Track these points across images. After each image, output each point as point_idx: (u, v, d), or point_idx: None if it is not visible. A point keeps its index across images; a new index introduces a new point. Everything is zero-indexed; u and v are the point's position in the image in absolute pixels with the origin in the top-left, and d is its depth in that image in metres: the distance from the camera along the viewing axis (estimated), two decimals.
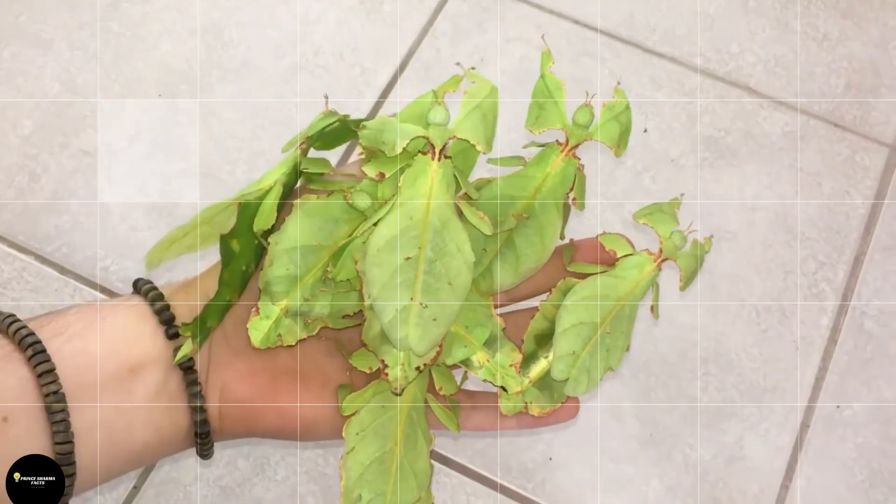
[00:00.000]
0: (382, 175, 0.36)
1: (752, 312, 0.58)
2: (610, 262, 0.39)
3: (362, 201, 0.36)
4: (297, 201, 0.37)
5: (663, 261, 0.38)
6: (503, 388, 0.37)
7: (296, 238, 0.36)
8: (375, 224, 0.36)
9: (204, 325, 0.35)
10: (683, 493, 0.53)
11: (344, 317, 0.37)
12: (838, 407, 0.55)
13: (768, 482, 0.53)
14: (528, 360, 0.38)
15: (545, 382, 0.38)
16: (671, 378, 0.56)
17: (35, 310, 0.38)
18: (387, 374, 0.36)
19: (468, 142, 0.36)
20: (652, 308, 0.39)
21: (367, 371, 0.37)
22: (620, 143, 0.39)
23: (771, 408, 0.55)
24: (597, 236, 0.40)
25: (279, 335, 0.36)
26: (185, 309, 0.36)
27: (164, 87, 0.64)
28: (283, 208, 0.37)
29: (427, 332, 0.35)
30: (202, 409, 0.36)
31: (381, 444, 0.37)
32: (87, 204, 0.60)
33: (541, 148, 0.39)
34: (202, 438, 0.37)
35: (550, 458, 0.54)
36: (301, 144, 0.38)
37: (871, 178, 0.62)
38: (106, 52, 0.65)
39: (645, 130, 0.63)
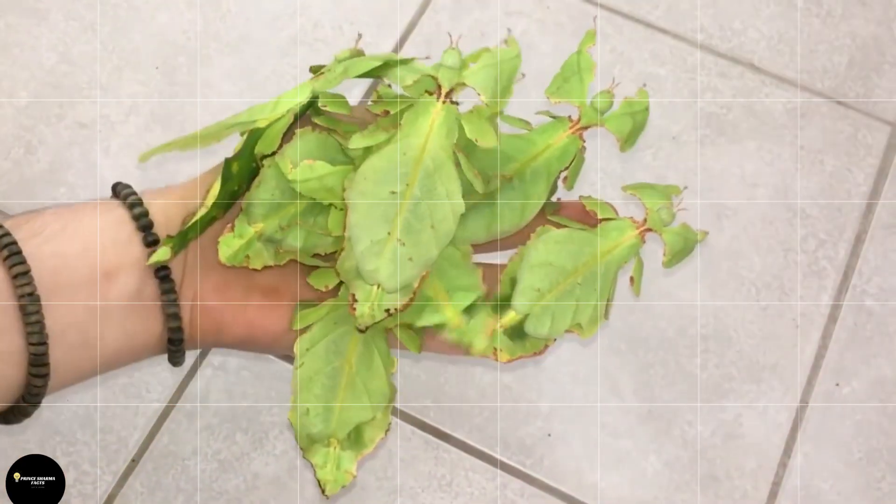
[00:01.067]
0: (387, 112, 0.36)
1: (752, 289, 0.57)
2: (593, 225, 0.39)
3: (356, 145, 0.36)
4: (298, 130, 0.37)
5: (646, 230, 0.38)
6: (467, 348, 0.37)
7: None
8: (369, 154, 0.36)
9: (184, 238, 0.36)
10: (681, 469, 0.53)
11: (314, 255, 0.37)
12: (837, 384, 0.55)
13: (767, 459, 0.53)
14: (502, 306, 0.37)
15: (515, 331, 0.37)
16: (670, 354, 0.56)
17: None
18: (354, 309, 0.35)
19: (476, 91, 0.36)
20: (632, 279, 0.39)
21: (324, 289, 0.37)
22: (629, 140, 0.39)
23: (770, 385, 0.55)
24: (580, 197, 0.40)
25: (247, 256, 0.36)
26: (162, 216, 0.36)
27: (161, 59, 0.63)
28: (288, 133, 0.37)
29: (400, 270, 0.34)
30: (177, 317, 0.36)
31: (332, 359, 0.37)
32: (84, 176, 0.60)
33: (551, 119, 0.39)
34: (175, 345, 0.37)
35: (549, 434, 0.54)
36: (321, 72, 0.37)
37: (874, 155, 0.61)
38: (103, 23, 0.64)
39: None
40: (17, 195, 0.59)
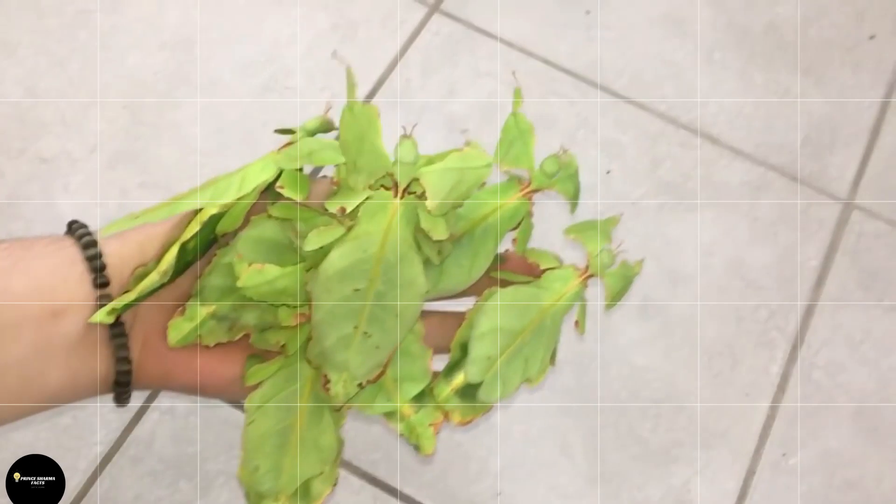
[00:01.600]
0: (343, 210, 0.36)
1: (705, 356, 0.58)
2: (538, 275, 0.39)
3: (312, 246, 0.35)
4: (253, 218, 0.37)
5: (588, 277, 0.39)
6: (415, 448, 0.38)
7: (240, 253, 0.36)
8: (328, 250, 0.35)
9: (128, 305, 0.35)
10: None
11: (264, 330, 0.38)
12: (784, 455, 0.56)
13: None
14: (452, 368, 0.38)
15: (466, 392, 0.38)
16: (622, 417, 0.56)
17: None
18: (328, 389, 0.36)
19: (422, 192, 0.35)
20: (577, 323, 0.39)
21: (272, 349, 0.38)
22: (574, 202, 0.40)
23: (719, 452, 0.56)
24: (525, 251, 0.40)
25: (199, 335, 0.37)
26: (117, 259, 0.36)
27: (129, 98, 0.63)
28: (249, 212, 0.38)
29: (368, 358, 0.35)
30: (126, 360, 0.36)
31: (282, 417, 0.37)
32: (41, 211, 0.59)
33: (503, 180, 0.40)
34: (122, 387, 0.37)
35: (499, 493, 0.54)
36: (287, 144, 0.37)
37: (825, 230, 0.63)
38: (72, 59, 0.64)
39: (608, 172, 0.64)
40: None
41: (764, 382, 0.58)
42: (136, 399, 0.54)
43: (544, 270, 0.39)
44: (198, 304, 0.36)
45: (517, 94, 0.39)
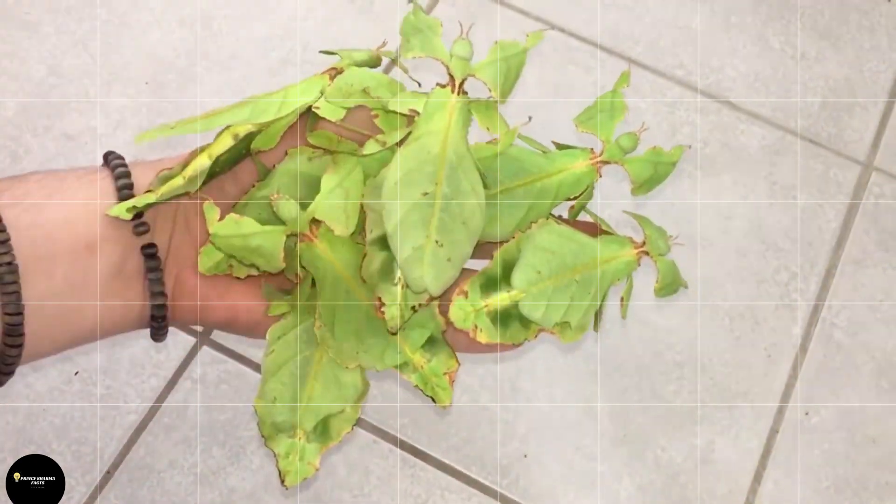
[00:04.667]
0: (416, 112, 0.34)
1: (726, 318, 0.59)
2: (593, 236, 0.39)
3: (371, 149, 0.35)
4: (289, 151, 0.36)
5: (643, 252, 0.38)
6: (432, 399, 0.36)
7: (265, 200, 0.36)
8: (384, 158, 0.35)
9: (147, 204, 0.34)
10: (654, 493, 0.54)
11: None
12: (807, 413, 0.57)
13: (737, 485, 0.54)
14: (490, 284, 0.36)
15: (503, 317, 0.36)
16: (645, 379, 0.57)
17: None
18: (383, 313, 0.35)
19: (486, 86, 0.35)
20: (622, 300, 0.38)
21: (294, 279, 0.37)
22: (643, 186, 0.39)
23: (741, 412, 0.56)
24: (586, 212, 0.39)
25: (230, 266, 0.36)
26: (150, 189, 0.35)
27: (150, 75, 0.64)
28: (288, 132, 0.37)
29: (442, 273, 0.34)
30: (161, 294, 0.36)
31: (303, 348, 0.36)
32: None
33: (575, 148, 0.39)
34: (157, 322, 0.36)
35: (525, 455, 0.55)
36: (332, 72, 0.36)
37: (844, 193, 0.63)
38: (93, 37, 0.65)
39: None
40: None
41: (785, 343, 0.58)
42: (170, 369, 0.55)
43: (599, 232, 0.38)
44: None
45: (624, 77, 0.39)
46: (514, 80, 0.36)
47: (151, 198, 0.34)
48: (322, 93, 0.36)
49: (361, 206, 0.36)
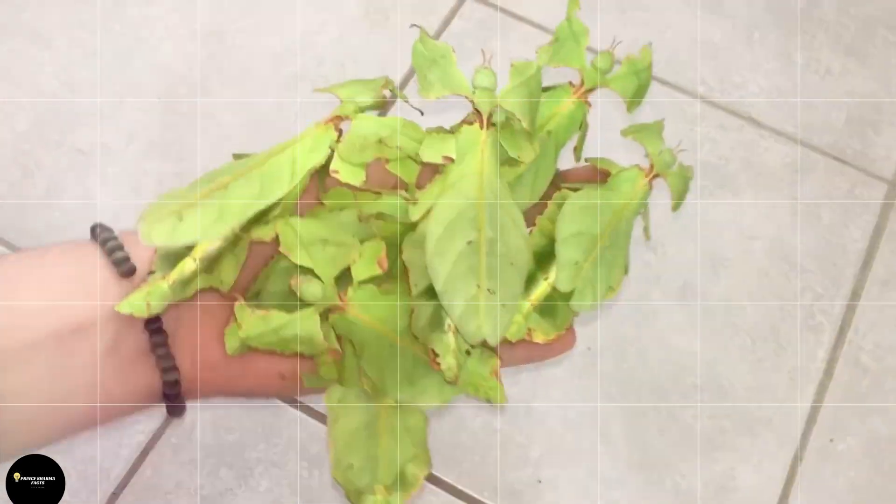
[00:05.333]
0: (450, 159, 0.32)
1: (748, 340, 0.57)
2: (602, 181, 0.37)
3: (418, 213, 0.32)
4: (307, 214, 0.34)
5: (654, 177, 0.36)
6: (488, 400, 0.35)
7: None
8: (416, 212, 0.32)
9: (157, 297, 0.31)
10: None
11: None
12: (832, 440, 0.55)
13: None
14: (528, 281, 0.34)
15: (546, 308, 0.35)
16: (663, 402, 0.55)
17: None
18: (438, 364, 0.33)
19: (513, 115, 0.33)
20: (644, 230, 0.37)
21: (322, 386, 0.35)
22: (635, 97, 0.37)
23: (764, 438, 0.54)
24: (585, 159, 0.38)
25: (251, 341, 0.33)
26: (147, 261, 0.32)
27: (163, 88, 0.63)
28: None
29: (499, 320, 0.32)
30: (174, 370, 0.33)
31: (366, 409, 0.34)
32: (79, 201, 0.59)
33: (552, 89, 0.37)
34: (171, 400, 0.33)
35: (539, 480, 0.53)
36: (336, 120, 0.34)
37: (870, 212, 0.62)
38: (106, 51, 0.64)
39: (646, 156, 0.63)
40: (13, 219, 0.58)
41: (810, 367, 0.57)
42: None
43: (608, 176, 0.36)
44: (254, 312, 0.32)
45: (572, 1, 0.36)
46: (537, 104, 0.35)
47: (164, 286, 0.31)
48: (331, 148, 0.33)
49: (399, 257, 0.34)
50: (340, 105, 0.34)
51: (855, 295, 0.59)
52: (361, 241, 0.34)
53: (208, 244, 0.32)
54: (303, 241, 0.33)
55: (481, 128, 0.33)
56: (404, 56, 0.67)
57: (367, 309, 0.34)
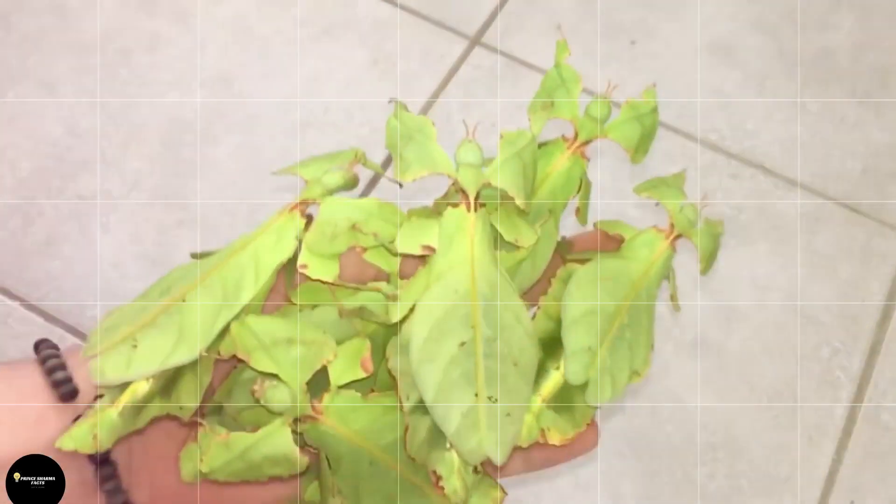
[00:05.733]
0: (431, 248, 0.28)
1: (763, 397, 0.55)
2: (614, 250, 0.32)
3: (400, 315, 0.28)
4: (274, 315, 0.29)
5: (676, 238, 0.31)
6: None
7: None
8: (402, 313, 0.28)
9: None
10: None
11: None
12: (852, 502, 0.52)
13: None
14: (536, 374, 0.30)
15: (561, 401, 0.30)
16: (676, 461, 0.53)
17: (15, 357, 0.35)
18: (442, 488, 0.28)
19: (504, 193, 0.29)
20: (671, 298, 0.32)
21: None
22: (640, 148, 0.33)
23: (781, 499, 0.52)
24: (594, 223, 0.33)
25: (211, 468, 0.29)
26: (91, 385, 0.27)
27: (167, 135, 0.62)
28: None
29: (503, 433, 0.27)
30: None
31: None
32: (81, 250, 0.58)
33: (542, 146, 0.33)
34: None
35: None
36: (301, 206, 0.29)
37: (888, 264, 0.60)
38: (112, 98, 0.64)
39: (657, 204, 0.62)
40: (12, 267, 0.57)
41: (828, 425, 0.55)
42: None
43: (621, 241, 0.32)
44: (212, 430, 0.28)
45: (561, 46, 0.33)
46: (533, 177, 0.30)
47: (114, 418, 0.26)
48: (299, 239, 0.29)
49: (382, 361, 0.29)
50: (306, 187, 0.30)
51: (874, 350, 0.57)
52: (341, 341, 0.29)
53: (141, 384, 0.27)
54: (263, 342, 0.28)
55: (468, 210, 0.29)
56: (413, 103, 0.67)
57: (345, 419, 0.29)
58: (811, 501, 0.52)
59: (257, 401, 0.28)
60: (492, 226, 0.29)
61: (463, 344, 0.27)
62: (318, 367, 0.28)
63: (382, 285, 0.29)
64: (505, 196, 0.29)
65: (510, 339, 0.28)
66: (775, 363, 0.56)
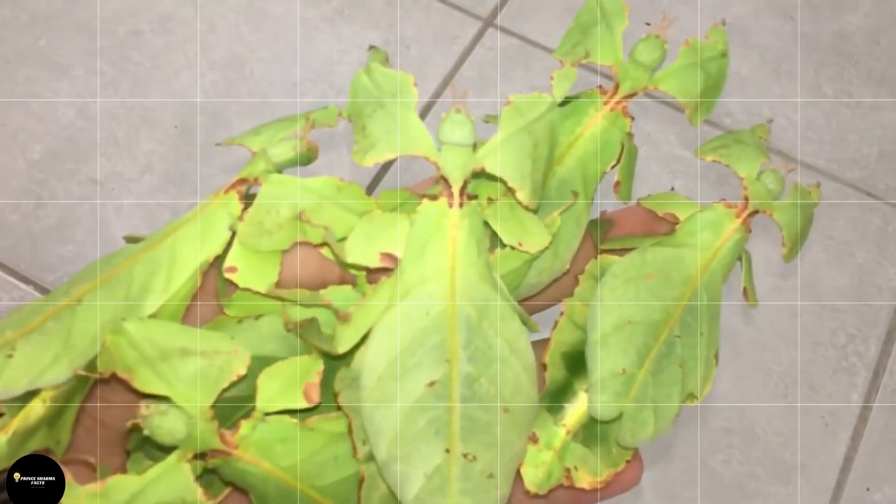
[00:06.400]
0: (393, 258, 0.21)
1: (780, 384, 0.55)
2: (667, 232, 0.25)
3: (347, 343, 0.21)
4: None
5: (752, 215, 0.25)
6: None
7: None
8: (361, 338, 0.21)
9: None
10: None
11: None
12: (868, 489, 0.52)
13: None
14: (558, 395, 0.23)
15: (592, 433, 0.23)
16: (691, 448, 0.53)
17: None
18: None
19: (503, 184, 0.22)
20: (745, 292, 0.26)
21: None
22: (702, 105, 0.25)
23: (797, 486, 0.52)
24: (639, 200, 0.25)
25: None
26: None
27: (180, 118, 0.62)
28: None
29: (482, 499, 0.21)
30: None
31: None
32: (92, 234, 0.58)
33: (571, 100, 0.25)
34: None
35: None
36: (240, 185, 0.22)
37: None
38: (124, 80, 0.63)
39: (672, 189, 0.61)
40: (23, 250, 0.57)
41: (844, 411, 0.54)
42: None
43: (674, 223, 0.25)
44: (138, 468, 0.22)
45: None
46: (548, 160, 0.23)
47: (2, 445, 0.21)
48: (232, 229, 0.22)
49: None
50: (249, 161, 0.23)
51: (890, 337, 0.57)
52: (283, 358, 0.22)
53: (36, 406, 0.22)
54: (147, 355, 0.21)
55: (450, 205, 0.21)
56: (427, 86, 0.66)
57: (270, 453, 0.21)
58: (826, 488, 0.52)
59: (142, 433, 0.21)
60: (485, 224, 0.22)
61: (433, 383, 0.21)
62: (225, 384, 0.21)
63: (342, 291, 0.22)
64: (505, 186, 0.22)
65: (500, 377, 0.21)
66: (791, 349, 0.56)
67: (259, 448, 0.21)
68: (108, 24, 0.65)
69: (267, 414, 0.21)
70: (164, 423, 0.21)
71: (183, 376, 0.21)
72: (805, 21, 0.68)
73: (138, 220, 0.58)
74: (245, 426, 0.21)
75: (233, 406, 0.22)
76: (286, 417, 0.21)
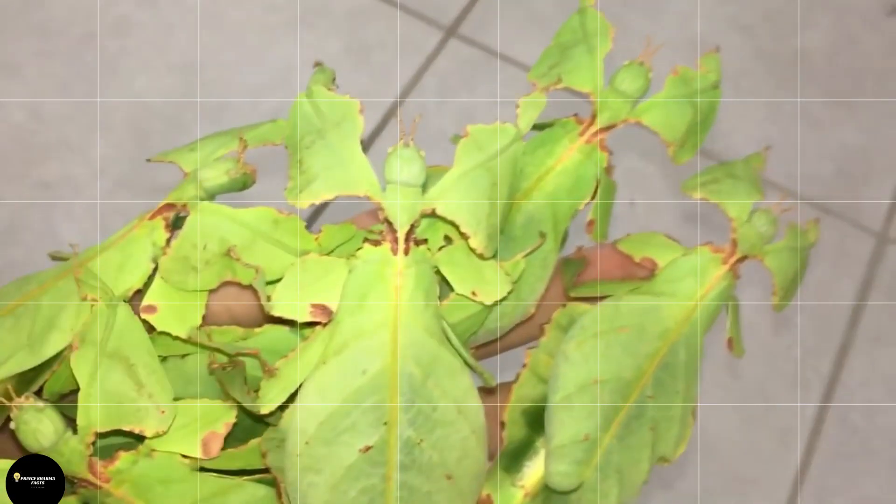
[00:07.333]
0: (327, 310, 0.19)
1: (735, 397, 0.55)
2: (646, 277, 0.22)
3: (272, 400, 0.19)
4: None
5: (740, 261, 0.23)
6: None
7: None
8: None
9: None
10: None
11: None
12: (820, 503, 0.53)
13: None
14: (518, 454, 0.21)
15: (553, 494, 0.21)
16: None
17: None
18: None
19: (454, 226, 0.20)
20: (730, 342, 0.24)
21: None
22: (688, 142, 0.23)
23: (751, 500, 0.52)
24: (614, 242, 0.23)
25: None
26: None
27: (135, 122, 0.61)
28: None
29: None
30: None
31: None
32: (42, 238, 0.57)
33: (543, 128, 0.23)
34: None
35: None
36: (166, 212, 0.20)
37: (859, 265, 0.60)
38: (77, 82, 0.62)
39: (632, 203, 0.61)
40: None
41: (798, 426, 0.55)
42: None
43: (652, 269, 0.23)
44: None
45: None
46: (507, 204, 0.21)
47: None
48: (154, 261, 0.20)
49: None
50: (179, 184, 0.21)
51: (844, 351, 0.57)
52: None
53: None
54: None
55: (394, 251, 0.19)
56: (387, 94, 0.66)
57: (148, 495, 0.19)
58: (780, 502, 0.52)
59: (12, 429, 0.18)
60: (436, 271, 0.20)
61: (367, 448, 0.19)
62: (128, 428, 0.19)
63: (278, 332, 0.19)
64: (456, 231, 0.20)
65: (445, 443, 0.19)
66: (747, 363, 0.56)
67: (135, 486, 0.19)
68: (63, 25, 0.64)
69: (152, 450, 0.19)
70: (32, 422, 0.19)
71: (105, 388, 0.18)
72: (766, 38, 0.68)
73: (90, 224, 0.57)
74: (124, 459, 0.19)
75: (125, 443, 0.20)
76: (177, 457, 0.19)
